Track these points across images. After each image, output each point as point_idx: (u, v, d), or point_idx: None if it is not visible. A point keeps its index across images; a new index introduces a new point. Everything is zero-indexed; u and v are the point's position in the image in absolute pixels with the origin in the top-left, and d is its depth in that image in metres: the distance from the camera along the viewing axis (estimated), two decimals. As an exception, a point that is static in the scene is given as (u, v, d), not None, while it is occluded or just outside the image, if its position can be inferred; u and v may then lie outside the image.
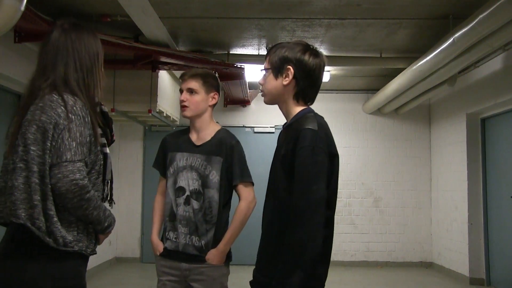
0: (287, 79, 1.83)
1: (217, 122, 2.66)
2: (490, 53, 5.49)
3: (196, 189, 2.48)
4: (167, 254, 2.51)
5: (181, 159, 2.54)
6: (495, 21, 3.86)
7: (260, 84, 1.95)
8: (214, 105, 2.61)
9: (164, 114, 5.99)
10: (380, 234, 7.88)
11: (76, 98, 1.74)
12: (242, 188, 2.53)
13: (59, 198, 1.66)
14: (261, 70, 1.94)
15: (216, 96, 2.60)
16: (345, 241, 7.84)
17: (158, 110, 5.63)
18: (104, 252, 7.03)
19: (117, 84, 5.46)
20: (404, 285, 6.64)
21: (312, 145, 1.69)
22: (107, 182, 1.90)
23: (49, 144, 1.65)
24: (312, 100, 1.91)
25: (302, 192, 1.66)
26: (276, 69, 1.85)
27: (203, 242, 2.46)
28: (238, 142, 2.57)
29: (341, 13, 4.68)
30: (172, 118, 6.42)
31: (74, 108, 1.71)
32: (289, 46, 1.85)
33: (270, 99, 1.92)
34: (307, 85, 1.85)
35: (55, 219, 1.66)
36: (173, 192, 2.53)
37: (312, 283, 1.67)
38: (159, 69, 5.42)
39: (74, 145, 1.66)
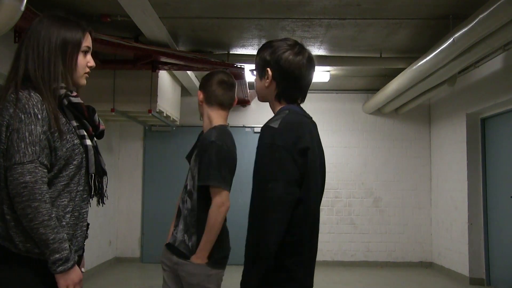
0: (267, 81, 1.86)
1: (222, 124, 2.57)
2: (490, 53, 5.49)
3: (190, 189, 2.50)
4: (167, 245, 2.57)
5: (191, 161, 2.59)
6: (495, 21, 3.86)
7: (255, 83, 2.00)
8: (200, 103, 2.63)
9: (164, 114, 5.99)
10: (380, 234, 7.88)
11: (32, 94, 1.65)
12: (212, 191, 2.39)
13: (13, 202, 1.59)
14: (249, 70, 2.00)
15: (199, 94, 2.63)
16: (345, 241, 7.84)
17: (158, 110, 5.63)
18: (104, 252, 7.03)
19: (117, 84, 5.46)
20: (404, 285, 6.64)
21: (269, 142, 1.69)
22: (92, 176, 1.79)
23: (2, 147, 1.61)
24: (298, 99, 1.89)
25: (258, 190, 1.68)
26: (259, 70, 1.91)
27: (190, 243, 2.43)
28: (213, 142, 2.39)
29: (341, 13, 4.67)
30: (172, 118, 6.42)
31: (26, 106, 1.62)
32: (274, 46, 1.86)
33: (260, 98, 1.98)
34: (287, 86, 1.85)
35: (13, 223, 1.60)
36: (183, 188, 2.59)
37: (276, 275, 1.70)
38: (159, 69, 5.43)
39: (23, 146, 1.58)
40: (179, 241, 2.49)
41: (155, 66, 5.25)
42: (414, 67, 5.48)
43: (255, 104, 7.93)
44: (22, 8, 3.14)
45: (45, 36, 1.73)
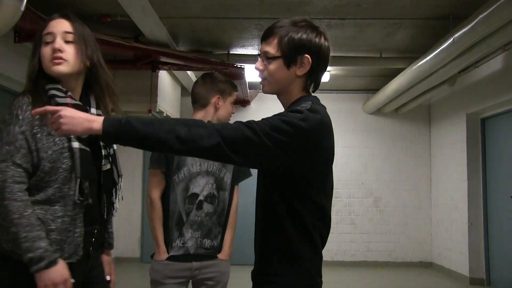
0: (302, 69, 1.58)
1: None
2: (490, 53, 5.49)
3: (211, 193, 2.44)
4: (175, 258, 2.42)
5: (193, 164, 2.43)
6: (495, 21, 3.86)
7: (259, 70, 1.63)
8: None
9: (164, 114, 5.99)
10: (380, 234, 7.88)
11: (25, 97, 1.67)
12: (235, 188, 2.55)
13: None
14: (268, 58, 1.60)
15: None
16: (345, 241, 7.84)
17: (158, 110, 5.64)
18: (104, 252, 7.03)
19: (117, 84, 5.44)
20: (404, 285, 6.64)
21: (299, 111, 1.49)
22: (79, 181, 1.69)
23: None
24: (317, 88, 1.69)
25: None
26: (289, 57, 1.56)
27: (215, 243, 2.46)
28: None
29: (341, 13, 4.67)
30: (172, 118, 6.42)
31: (12, 107, 1.64)
32: (303, 29, 1.57)
33: (275, 90, 1.64)
34: (319, 75, 1.64)
35: None
36: (183, 199, 2.42)
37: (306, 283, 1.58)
38: (159, 69, 5.43)
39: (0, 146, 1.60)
40: (194, 248, 2.41)
41: (155, 66, 5.25)
42: (414, 67, 5.48)
43: (255, 104, 7.93)
44: (22, 8, 3.13)
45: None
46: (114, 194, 1.85)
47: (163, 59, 5.15)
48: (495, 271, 6.20)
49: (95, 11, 4.63)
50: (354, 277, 7.02)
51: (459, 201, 6.75)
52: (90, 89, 1.86)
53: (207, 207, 2.42)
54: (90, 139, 1.73)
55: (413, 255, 7.84)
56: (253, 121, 1.47)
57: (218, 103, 2.55)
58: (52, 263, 1.57)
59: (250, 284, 1.67)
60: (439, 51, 4.79)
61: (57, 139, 1.66)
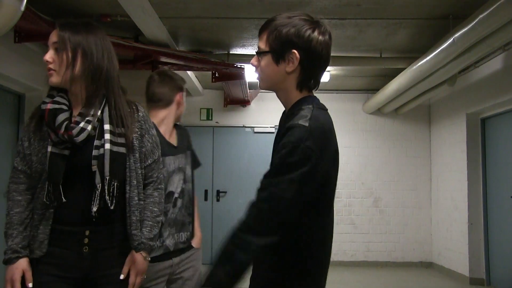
0: (291, 65, 1.53)
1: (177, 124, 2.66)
2: (490, 53, 5.49)
3: (182, 188, 2.51)
4: (155, 259, 2.39)
5: (170, 163, 2.44)
6: (495, 21, 3.86)
7: (253, 65, 1.62)
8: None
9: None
10: (380, 234, 7.88)
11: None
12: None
13: None
14: (256, 52, 1.59)
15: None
16: (345, 241, 7.84)
17: (158, 110, 5.63)
18: (104, 252, 7.02)
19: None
20: (404, 285, 6.64)
21: (297, 141, 1.44)
22: (51, 184, 1.77)
23: None
24: (318, 85, 1.64)
25: (270, 184, 1.47)
26: (277, 53, 1.53)
27: (188, 233, 2.54)
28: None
29: (341, 13, 4.68)
30: (172, 118, 6.41)
31: None
32: (293, 22, 1.51)
33: (268, 86, 1.62)
34: (314, 72, 1.57)
35: None
36: None
37: (299, 278, 1.59)
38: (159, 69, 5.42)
39: None
40: (173, 244, 2.45)
41: (155, 66, 5.25)
42: (414, 67, 5.48)
43: (255, 104, 7.93)
44: (22, 8, 3.14)
45: None
46: (97, 195, 1.80)
47: (163, 59, 5.15)
48: (495, 271, 6.20)
49: (95, 11, 4.62)
50: (354, 277, 7.02)
51: (459, 201, 6.75)
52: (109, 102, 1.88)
53: (179, 202, 2.49)
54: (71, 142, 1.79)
55: (413, 255, 7.84)
56: (263, 198, 1.47)
57: (181, 100, 2.60)
58: (8, 261, 1.78)
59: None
60: (439, 51, 4.79)
61: (41, 143, 1.82)
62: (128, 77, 5.49)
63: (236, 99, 7.57)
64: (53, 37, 1.80)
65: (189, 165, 2.57)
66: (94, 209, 1.77)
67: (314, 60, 1.54)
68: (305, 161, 1.43)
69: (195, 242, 2.60)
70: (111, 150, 1.79)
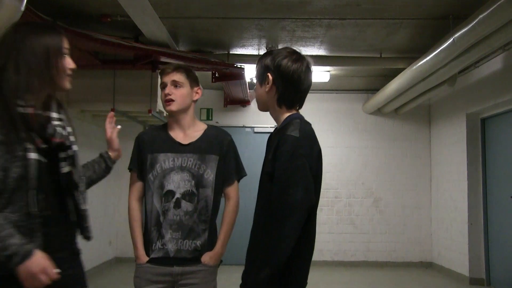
0: (268, 85, 1.92)
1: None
2: (490, 53, 5.50)
3: (189, 190, 2.34)
4: (156, 261, 2.33)
5: (165, 160, 2.36)
6: (495, 21, 3.86)
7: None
8: (196, 100, 2.49)
9: (164, 114, 5.98)
10: (380, 234, 7.88)
11: None
12: (233, 187, 2.47)
13: None
14: (250, 79, 2.12)
15: (199, 91, 2.48)
16: (345, 241, 7.84)
17: (158, 110, 5.63)
18: (104, 252, 7.03)
19: (117, 84, 5.45)
20: (404, 285, 6.64)
21: (292, 150, 1.76)
22: (36, 192, 1.65)
23: None
24: (297, 104, 1.96)
25: (279, 195, 1.72)
26: (259, 77, 1.98)
27: (198, 243, 2.33)
28: (232, 138, 2.54)
29: (341, 13, 4.68)
30: (172, 118, 6.41)
31: None
32: (274, 53, 1.95)
33: (261, 107, 2.04)
34: (287, 91, 1.91)
35: None
36: (159, 197, 2.35)
37: (283, 280, 1.75)
38: (159, 69, 5.42)
39: None
40: (174, 250, 2.32)
41: (155, 66, 5.25)
42: (414, 67, 5.48)
43: (255, 104, 7.92)
44: (22, 8, 3.13)
45: (28, 45, 1.69)
46: (75, 196, 1.77)
47: (163, 59, 5.14)
48: (495, 271, 6.20)
49: (95, 11, 4.62)
50: (354, 277, 7.02)
51: (459, 201, 6.75)
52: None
53: (186, 205, 2.33)
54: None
55: (413, 255, 7.85)
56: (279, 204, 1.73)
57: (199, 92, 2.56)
58: (26, 255, 1.55)
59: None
60: (439, 51, 4.79)
61: (9, 148, 1.63)
62: (128, 77, 5.50)
63: (236, 99, 7.58)
64: (66, 44, 1.82)
65: (210, 169, 2.38)
66: (84, 207, 1.82)
67: (285, 82, 1.90)
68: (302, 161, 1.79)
69: (207, 256, 2.35)
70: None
